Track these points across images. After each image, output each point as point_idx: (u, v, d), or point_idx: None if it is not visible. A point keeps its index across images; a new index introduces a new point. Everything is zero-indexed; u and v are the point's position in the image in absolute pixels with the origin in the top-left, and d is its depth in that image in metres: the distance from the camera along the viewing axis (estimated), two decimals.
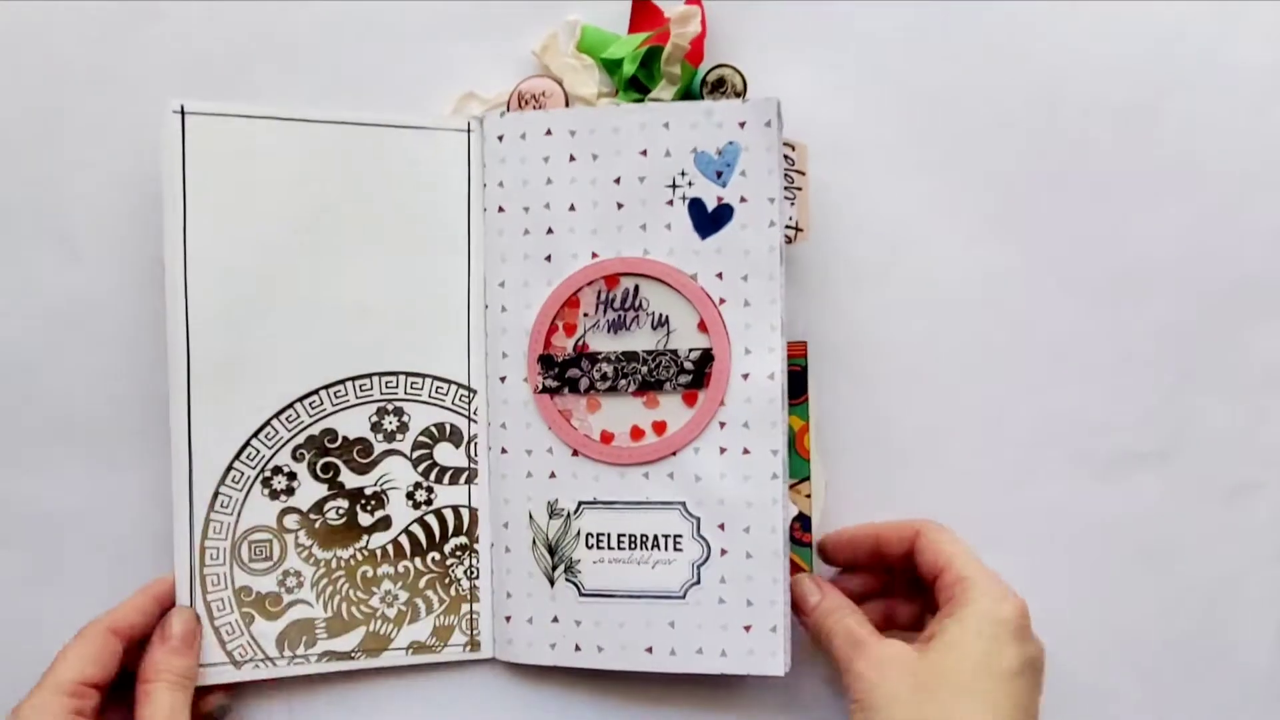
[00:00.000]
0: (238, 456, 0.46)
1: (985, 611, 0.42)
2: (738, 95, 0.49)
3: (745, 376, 0.46)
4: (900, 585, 0.49)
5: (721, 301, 0.46)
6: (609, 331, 0.47)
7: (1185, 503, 0.51)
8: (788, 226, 0.47)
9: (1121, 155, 0.51)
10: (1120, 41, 0.51)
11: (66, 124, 0.49)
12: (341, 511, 0.48)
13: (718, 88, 0.49)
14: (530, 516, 0.48)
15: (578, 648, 0.47)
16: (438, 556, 0.49)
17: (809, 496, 0.49)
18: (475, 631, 0.49)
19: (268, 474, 0.47)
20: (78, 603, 0.47)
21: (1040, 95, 0.51)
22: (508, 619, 0.48)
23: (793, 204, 0.48)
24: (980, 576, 0.43)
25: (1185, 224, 0.51)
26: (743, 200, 0.46)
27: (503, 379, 0.48)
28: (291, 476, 0.47)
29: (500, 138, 0.48)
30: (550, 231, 0.47)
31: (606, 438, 0.47)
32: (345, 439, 0.48)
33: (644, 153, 0.46)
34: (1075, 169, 0.51)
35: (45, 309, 0.49)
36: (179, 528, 0.46)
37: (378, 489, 0.48)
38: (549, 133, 0.47)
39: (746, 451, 0.46)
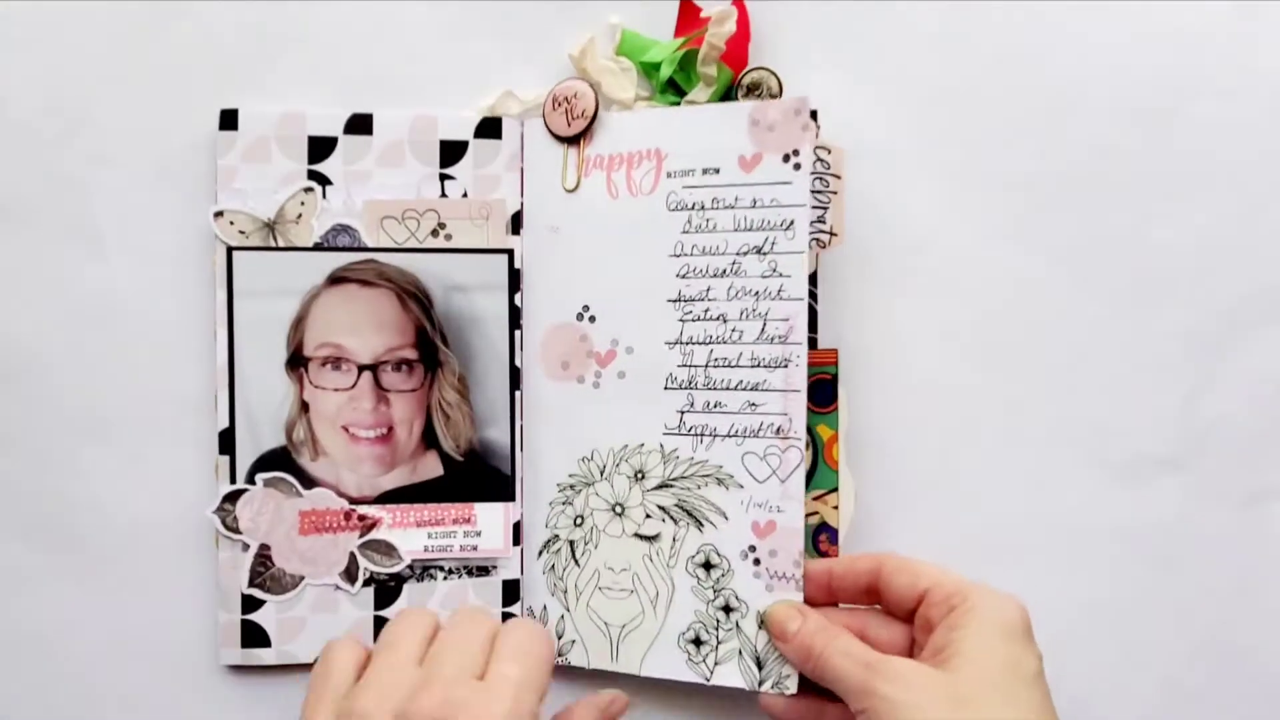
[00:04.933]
0: None
1: (995, 618, 0.40)
2: (773, 98, 0.49)
3: None
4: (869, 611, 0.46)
5: None
6: None
7: (1203, 508, 0.52)
8: (822, 231, 0.48)
9: (1143, 159, 0.51)
10: (1142, 45, 0.51)
11: (93, 121, 0.49)
12: None
13: (753, 90, 0.49)
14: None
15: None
16: None
17: (836, 508, 0.48)
18: None
19: None
20: (108, 599, 0.49)
21: (1062, 99, 0.51)
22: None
23: (827, 209, 0.48)
24: (972, 585, 0.41)
25: (1206, 228, 0.51)
26: None
27: None
28: None
29: None
30: None
31: None
32: None
33: None
34: (1097, 173, 0.51)
35: (72, 306, 0.49)
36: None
37: None
38: None
39: None
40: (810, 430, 0.48)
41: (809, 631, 0.43)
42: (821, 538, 0.48)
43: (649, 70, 0.50)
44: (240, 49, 0.50)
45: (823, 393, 0.48)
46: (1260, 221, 0.51)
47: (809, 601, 0.45)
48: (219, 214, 0.48)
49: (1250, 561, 0.51)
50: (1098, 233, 0.51)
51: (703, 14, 0.49)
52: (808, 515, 0.48)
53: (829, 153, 0.48)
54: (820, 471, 0.48)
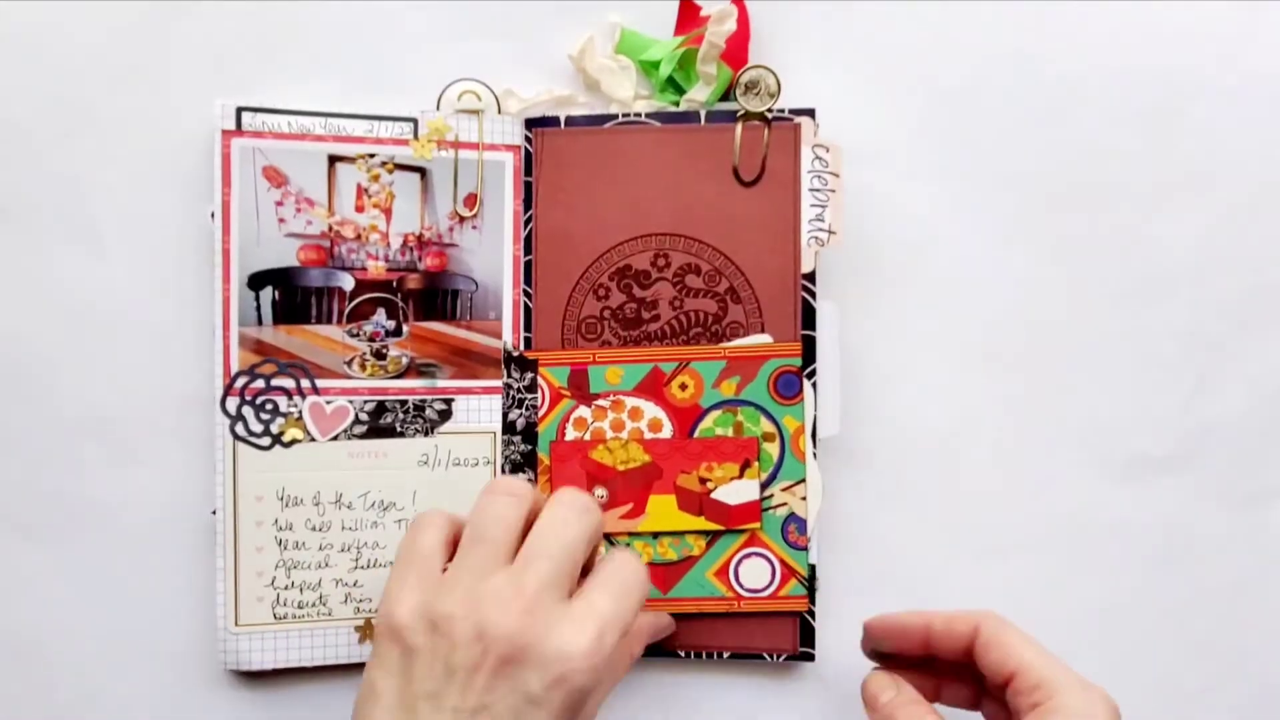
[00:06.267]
0: None
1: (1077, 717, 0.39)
2: (771, 97, 0.49)
3: None
4: (949, 665, 0.45)
5: None
6: None
7: (1203, 508, 0.51)
8: (821, 229, 0.48)
9: (1143, 159, 0.51)
10: (1142, 45, 0.51)
11: (93, 120, 0.49)
12: None
13: (751, 89, 0.49)
14: None
15: None
16: None
17: (805, 499, 0.49)
18: None
19: None
20: (108, 599, 0.49)
21: (1062, 99, 0.51)
22: None
23: (825, 207, 0.48)
24: (1062, 677, 0.40)
25: (1206, 228, 0.51)
26: None
27: None
28: None
29: None
30: None
31: None
32: None
33: None
34: (1097, 173, 0.51)
35: (72, 306, 0.49)
36: None
37: None
38: None
39: None
40: (777, 422, 0.48)
41: (897, 704, 0.43)
42: (790, 528, 0.48)
43: (648, 69, 0.50)
44: (240, 49, 0.50)
45: (788, 385, 0.48)
46: (1260, 221, 0.51)
47: (902, 655, 0.45)
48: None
49: (1249, 561, 0.51)
50: (1098, 233, 0.51)
51: (702, 12, 0.49)
52: (776, 506, 0.48)
53: (827, 151, 0.48)
54: (787, 462, 0.48)
